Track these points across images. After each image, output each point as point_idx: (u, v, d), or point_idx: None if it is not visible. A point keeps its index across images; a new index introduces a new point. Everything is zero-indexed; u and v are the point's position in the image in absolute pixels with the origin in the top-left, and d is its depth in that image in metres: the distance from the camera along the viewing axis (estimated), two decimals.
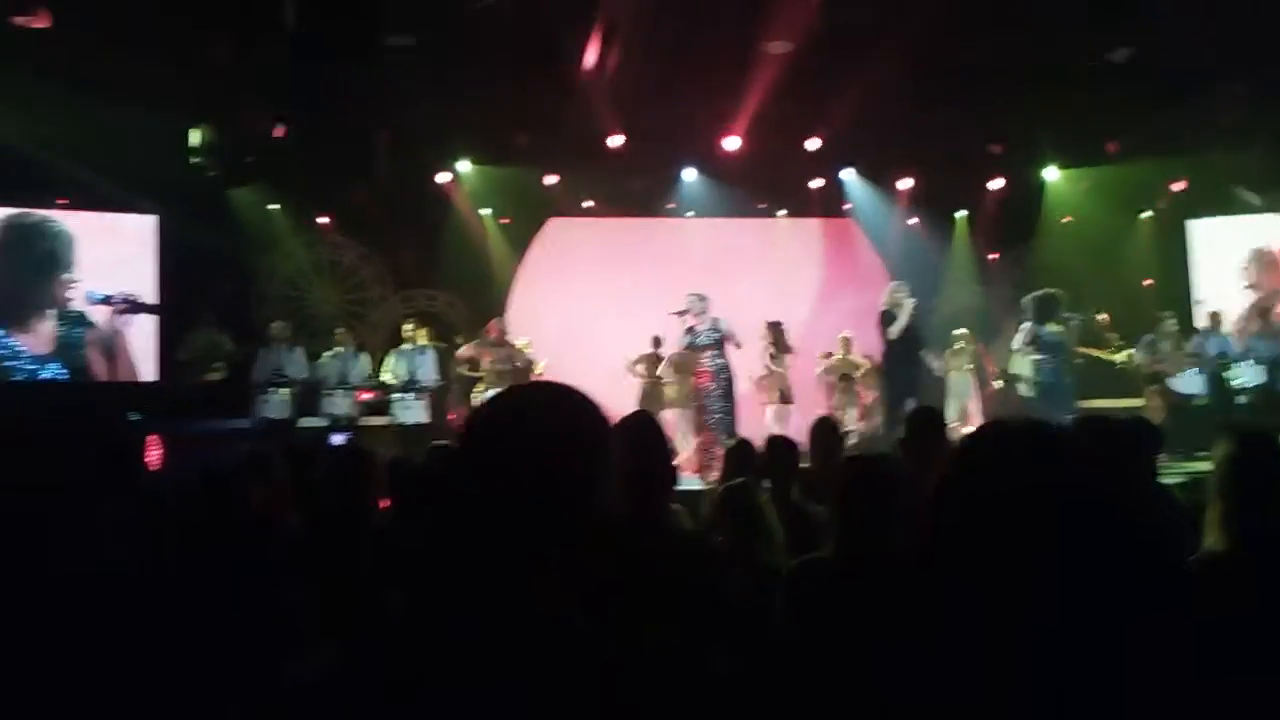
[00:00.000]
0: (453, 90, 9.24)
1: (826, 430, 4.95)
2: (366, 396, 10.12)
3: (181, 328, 10.24)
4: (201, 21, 7.86)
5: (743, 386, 9.31)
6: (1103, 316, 11.30)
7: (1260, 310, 11.49)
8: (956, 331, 11.24)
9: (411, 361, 9.92)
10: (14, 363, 9.54)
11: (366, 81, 8.79)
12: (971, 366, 11.30)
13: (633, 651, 0.99)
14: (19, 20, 7.48)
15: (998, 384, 11.58)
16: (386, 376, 9.94)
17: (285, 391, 9.54)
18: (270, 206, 11.59)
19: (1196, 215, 12.46)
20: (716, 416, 8.31)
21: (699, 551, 2.74)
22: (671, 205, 12.53)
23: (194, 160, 8.65)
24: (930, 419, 3.95)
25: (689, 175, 12.00)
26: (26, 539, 2.38)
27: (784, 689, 1.82)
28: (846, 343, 10.96)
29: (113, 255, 10.18)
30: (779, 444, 4.14)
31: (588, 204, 12.45)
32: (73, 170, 9.43)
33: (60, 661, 2.12)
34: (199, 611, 2.05)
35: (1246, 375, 10.29)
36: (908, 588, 1.61)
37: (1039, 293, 9.76)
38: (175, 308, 10.31)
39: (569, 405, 1.06)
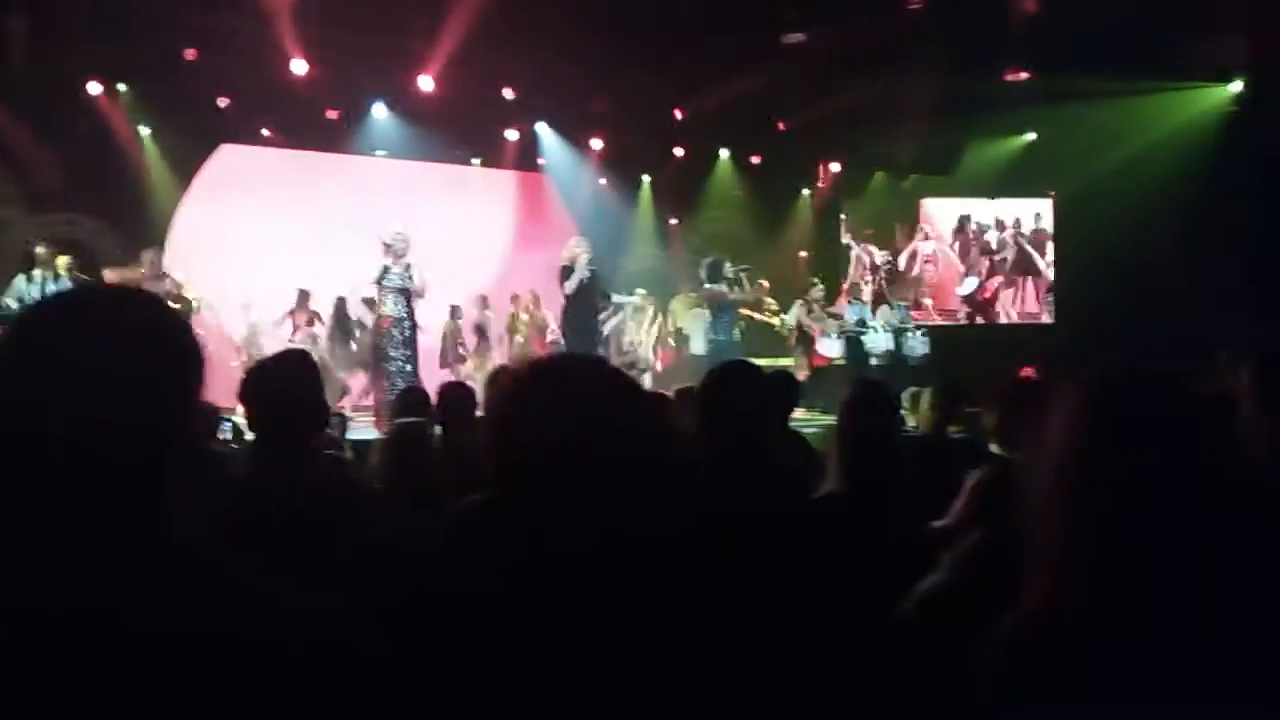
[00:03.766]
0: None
1: None
2: None
3: None
4: None
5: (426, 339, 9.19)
6: (763, 283, 12.30)
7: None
8: (638, 290, 11.78)
9: (44, 291, 8.76)
10: None
11: None
12: (651, 324, 11.91)
13: None
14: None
15: (671, 341, 12.29)
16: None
17: None
18: None
19: (851, 196, 13.94)
20: (397, 365, 8.09)
21: None
22: (359, 142, 11.93)
23: None
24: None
25: (379, 112, 11.46)
26: None
27: None
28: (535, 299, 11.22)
29: None
30: None
31: (266, 133, 11.54)
32: None
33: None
34: None
35: (877, 341, 11.65)
36: None
37: (710, 258, 10.63)
38: None
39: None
